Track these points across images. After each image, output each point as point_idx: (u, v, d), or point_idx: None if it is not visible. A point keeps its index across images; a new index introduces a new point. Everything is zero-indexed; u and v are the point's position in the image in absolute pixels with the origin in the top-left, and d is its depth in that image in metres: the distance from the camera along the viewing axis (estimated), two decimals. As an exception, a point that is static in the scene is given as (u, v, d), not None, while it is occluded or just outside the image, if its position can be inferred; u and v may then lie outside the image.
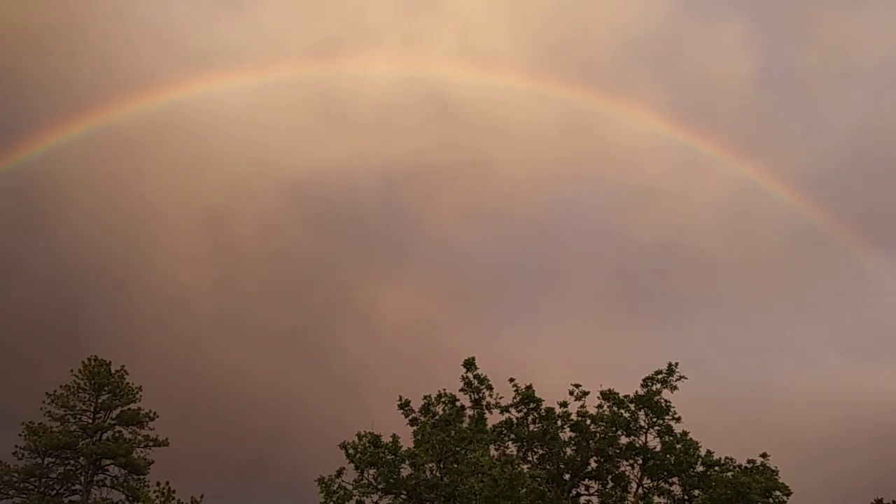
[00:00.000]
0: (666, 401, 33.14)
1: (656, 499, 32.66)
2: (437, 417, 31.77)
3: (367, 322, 74.04)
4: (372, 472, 29.18)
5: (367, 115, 77.99)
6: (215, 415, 54.06)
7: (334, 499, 27.95)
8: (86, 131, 56.80)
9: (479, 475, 27.49)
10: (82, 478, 36.55)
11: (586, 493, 33.42)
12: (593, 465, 33.23)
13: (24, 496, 35.92)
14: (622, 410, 33.07)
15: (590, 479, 33.41)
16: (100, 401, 37.62)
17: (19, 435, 36.38)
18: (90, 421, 37.33)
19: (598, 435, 32.87)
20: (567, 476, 33.14)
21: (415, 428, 31.29)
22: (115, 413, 37.72)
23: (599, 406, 33.38)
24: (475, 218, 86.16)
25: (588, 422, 33.12)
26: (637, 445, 33.10)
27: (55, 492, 36.76)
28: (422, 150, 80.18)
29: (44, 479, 36.71)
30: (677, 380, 33.18)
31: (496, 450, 32.75)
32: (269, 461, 51.77)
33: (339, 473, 28.57)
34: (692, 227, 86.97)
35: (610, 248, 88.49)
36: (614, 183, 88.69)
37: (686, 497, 32.50)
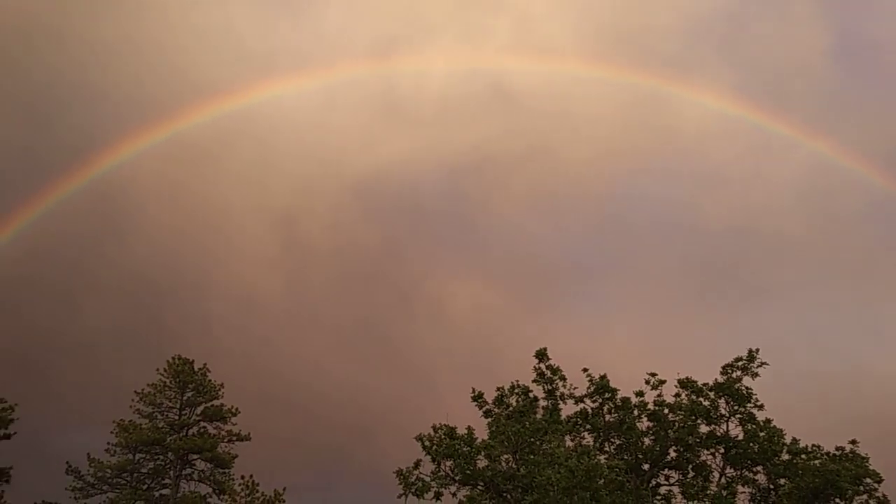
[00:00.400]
0: (747, 388, 32.22)
1: (740, 488, 31.84)
2: (510, 409, 31.71)
3: (438, 313, 74.55)
4: (448, 463, 29.31)
5: (428, 110, 78.44)
6: (292, 409, 55.49)
7: (413, 490, 28.18)
8: (155, 142, 58.84)
9: (556, 466, 27.29)
10: (171, 472, 38.13)
11: (666, 483, 32.85)
12: (672, 454, 32.56)
13: (118, 491, 37.66)
14: (701, 399, 32.31)
15: (669, 468, 32.79)
16: (185, 398, 39.22)
17: (111, 432, 38.32)
18: (176, 417, 38.93)
19: (676, 424, 32.18)
20: (646, 466, 32.61)
21: (489, 420, 31.31)
22: (199, 409, 39.26)
23: (677, 395, 32.71)
24: (541, 206, 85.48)
25: (666, 411, 32.49)
26: (718, 434, 32.30)
27: (146, 486, 38.44)
28: (485, 140, 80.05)
29: (135, 475, 38.45)
30: (758, 366, 32.21)
31: (571, 440, 32.47)
32: (346, 453, 52.84)
33: (417, 465, 28.78)
34: (766, 209, 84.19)
35: (682, 234, 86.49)
36: (683, 168, 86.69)
37: (772, 486, 31.56)
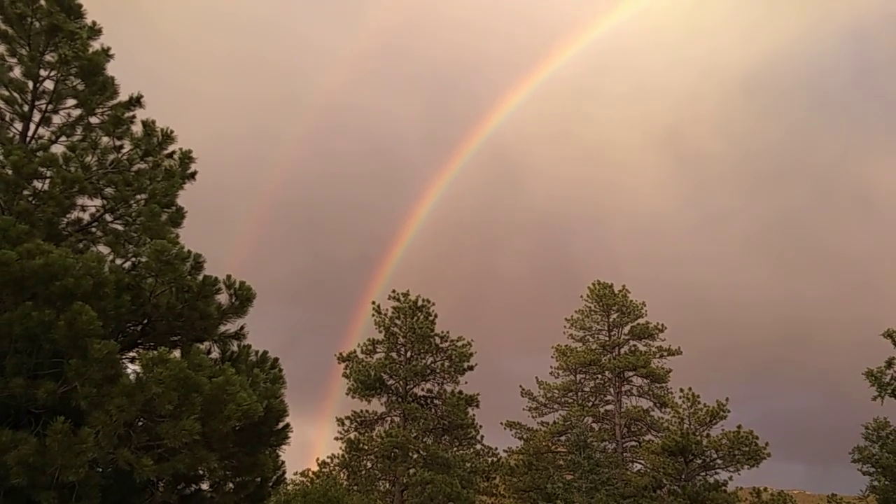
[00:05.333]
0: None
1: None
2: None
3: (863, 199, 64.89)
4: (929, 360, 25.42)
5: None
6: (715, 319, 53.83)
7: (889, 391, 25.13)
8: (533, 88, 61.12)
9: None
10: (611, 389, 40.14)
11: None
12: None
13: (567, 408, 40.94)
14: None
15: None
16: (611, 319, 40.81)
17: (551, 357, 41.86)
18: (606, 338, 40.75)
19: None
20: None
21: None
22: (626, 329, 40.49)
23: None
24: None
25: None
26: None
27: (591, 403, 41.14)
28: (893, -10, 66.00)
29: (579, 393, 41.44)
30: None
31: None
32: (782, 362, 49.84)
33: (890, 364, 25.55)
34: None
35: None
36: None
37: None
